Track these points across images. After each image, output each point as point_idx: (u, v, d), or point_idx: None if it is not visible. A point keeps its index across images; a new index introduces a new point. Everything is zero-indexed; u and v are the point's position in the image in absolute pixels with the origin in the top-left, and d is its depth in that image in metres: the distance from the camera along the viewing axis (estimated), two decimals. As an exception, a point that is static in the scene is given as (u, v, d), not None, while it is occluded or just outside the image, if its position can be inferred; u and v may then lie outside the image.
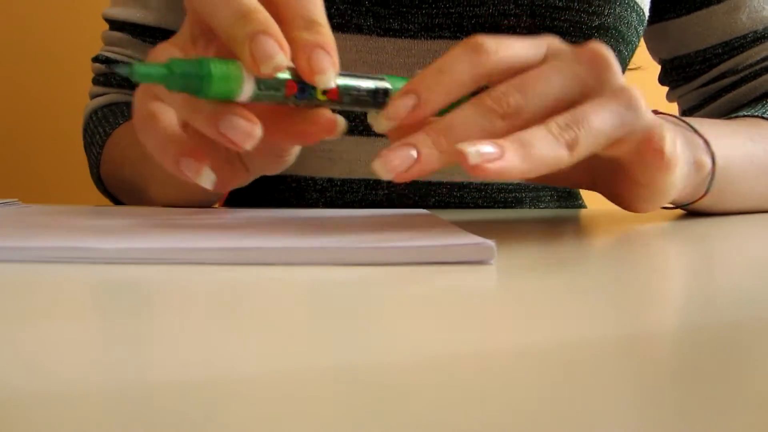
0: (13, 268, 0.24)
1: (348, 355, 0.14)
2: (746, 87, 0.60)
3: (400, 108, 0.30)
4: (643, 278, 0.24)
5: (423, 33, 0.53)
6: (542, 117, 0.30)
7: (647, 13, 0.58)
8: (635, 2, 0.55)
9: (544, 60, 0.32)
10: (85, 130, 0.63)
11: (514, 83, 0.30)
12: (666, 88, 0.67)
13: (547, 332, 0.16)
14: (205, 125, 0.29)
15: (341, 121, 0.32)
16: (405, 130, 0.29)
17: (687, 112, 0.65)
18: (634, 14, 0.56)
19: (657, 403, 0.12)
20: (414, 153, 0.28)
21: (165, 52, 0.32)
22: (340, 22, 0.52)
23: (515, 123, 0.29)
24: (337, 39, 0.54)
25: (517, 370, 0.13)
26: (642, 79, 0.65)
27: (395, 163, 0.28)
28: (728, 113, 0.60)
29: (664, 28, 0.62)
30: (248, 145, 0.29)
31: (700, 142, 0.39)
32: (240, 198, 0.63)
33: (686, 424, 0.11)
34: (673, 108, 0.68)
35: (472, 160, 0.27)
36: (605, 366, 0.14)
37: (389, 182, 0.54)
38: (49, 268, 0.24)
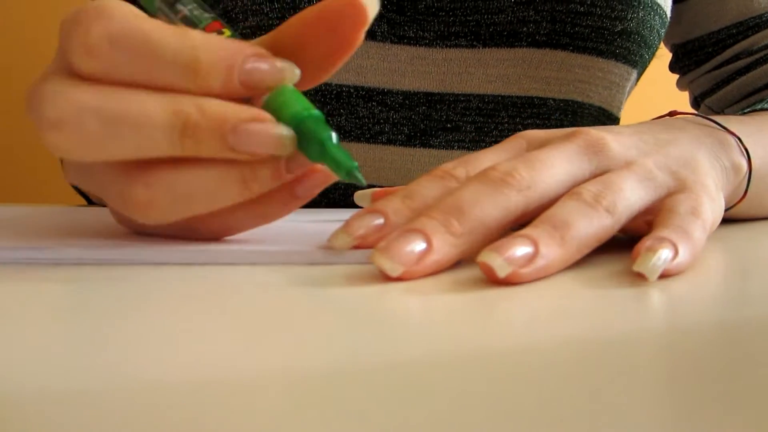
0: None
1: (345, 355, 0.15)
2: (761, 70, 0.58)
3: (361, 226, 0.25)
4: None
5: (439, 41, 0.51)
6: (555, 194, 0.26)
7: (669, 15, 0.57)
8: (658, 5, 0.54)
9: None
10: None
11: (518, 158, 0.27)
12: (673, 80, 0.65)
13: (550, 332, 0.17)
14: (214, 146, 0.23)
15: (284, 132, 0.24)
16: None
17: (699, 97, 0.63)
18: (656, 17, 0.54)
19: (657, 403, 0.12)
20: (423, 243, 0.23)
21: None
22: None
23: (531, 196, 0.26)
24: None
25: (516, 370, 0.14)
26: (660, 67, 0.63)
27: (404, 256, 0.23)
28: (742, 98, 0.59)
29: (678, 10, 0.60)
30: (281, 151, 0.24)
31: (733, 140, 0.36)
32: None
33: (686, 424, 0.11)
34: (684, 96, 0.66)
35: (502, 273, 0.22)
36: (606, 366, 0.14)
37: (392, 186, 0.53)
38: (24, 269, 0.24)
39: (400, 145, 0.53)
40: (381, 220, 0.25)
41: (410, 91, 0.52)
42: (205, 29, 0.25)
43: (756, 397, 0.12)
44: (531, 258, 0.23)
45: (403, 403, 0.12)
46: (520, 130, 0.31)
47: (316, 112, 0.24)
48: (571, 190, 0.26)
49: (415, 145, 0.53)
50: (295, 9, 0.50)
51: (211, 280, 0.23)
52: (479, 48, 0.51)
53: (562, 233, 0.24)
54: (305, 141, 0.24)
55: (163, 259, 0.26)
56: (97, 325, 0.17)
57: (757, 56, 0.58)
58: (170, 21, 0.26)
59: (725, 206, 0.38)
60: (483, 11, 0.51)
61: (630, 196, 0.26)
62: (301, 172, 0.26)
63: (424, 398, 0.12)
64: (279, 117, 0.24)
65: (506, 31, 0.51)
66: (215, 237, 0.28)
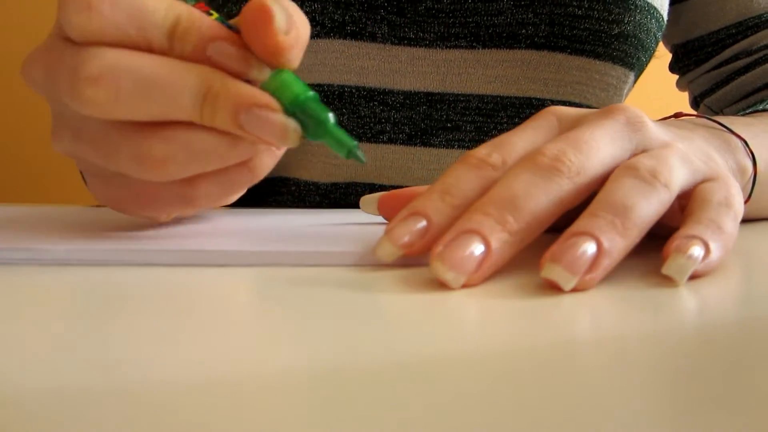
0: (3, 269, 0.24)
1: (345, 356, 0.14)
2: (760, 69, 0.58)
3: (405, 233, 0.24)
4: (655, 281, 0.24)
5: (438, 42, 0.52)
6: (602, 177, 0.25)
7: (666, 18, 0.57)
8: (655, 8, 0.54)
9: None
10: None
11: (562, 139, 0.25)
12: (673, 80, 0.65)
13: (550, 332, 0.16)
14: (227, 120, 0.25)
15: (291, 126, 0.25)
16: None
17: (698, 97, 0.63)
18: (653, 20, 0.55)
19: (660, 404, 0.12)
20: (481, 245, 0.22)
21: None
22: (354, 30, 0.51)
23: (581, 183, 0.24)
24: (350, 47, 0.54)
25: (516, 370, 0.13)
26: (660, 66, 0.64)
27: (464, 264, 0.22)
28: (741, 98, 0.59)
29: (677, 11, 0.60)
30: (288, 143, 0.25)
31: (739, 142, 0.36)
32: (238, 201, 0.62)
33: (687, 424, 0.11)
34: (681, 98, 0.66)
35: (567, 286, 0.21)
36: (608, 366, 0.14)
37: (393, 185, 0.54)
38: (24, 271, 0.24)
39: (401, 144, 0.53)
40: (424, 223, 0.24)
41: (411, 91, 0.53)
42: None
43: (759, 399, 0.12)
44: (595, 259, 0.22)
45: (404, 404, 0.12)
46: None
47: (313, 93, 0.26)
48: (623, 164, 0.25)
49: (415, 144, 0.53)
50: (301, 8, 0.51)
51: (211, 281, 0.23)
52: (478, 49, 0.52)
53: (623, 220, 0.23)
54: (306, 122, 0.25)
55: (161, 260, 0.26)
56: (96, 326, 0.17)
57: (756, 56, 0.58)
58: None
59: None
60: (482, 13, 0.51)
61: (679, 173, 0.25)
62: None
63: (424, 398, 0.12)
64: (279, 96, 0.25)
65: (505, 33, 0.51)
66: (208, 204, 0.29)
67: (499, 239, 0.22)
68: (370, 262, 0.25)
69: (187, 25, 0.25)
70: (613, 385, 0.13)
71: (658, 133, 0.27)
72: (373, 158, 0.54)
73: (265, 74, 0.26)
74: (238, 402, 0.12)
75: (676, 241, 0.23)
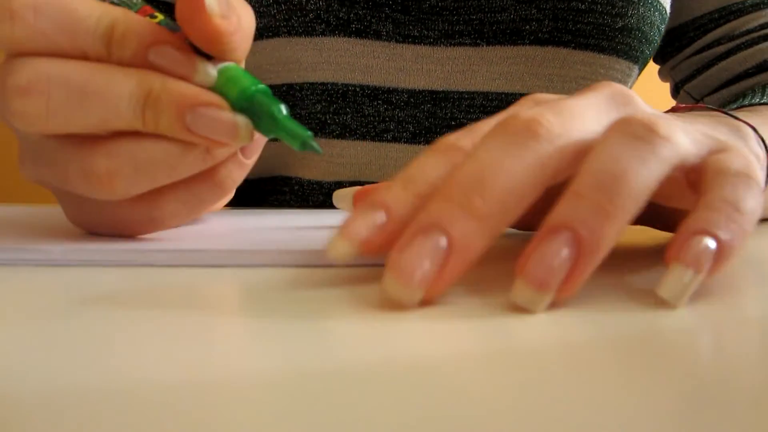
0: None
1: (340, 357, 0.14)
2: (741, 55, 0.57)
3: (361, 227, 0.20)
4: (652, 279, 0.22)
5: (443, 40, 0.52)
6: (590, 148, 0.20)
7: (668, 11, 0.57)
8: (658, 1, 0.54)
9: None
10: None
11: (544, 106, 0.21)
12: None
13: (548, 333, 0.16)
14: (172, 124, 0.23)
15: (241, 122, 0.24)
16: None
17: (679, 83, 0.62)
18: (657, 13, 0.55)
19: (659, 403, 0.11)
20: (443, 241, 0.18)
21: None
22: (358, 28, 0.51)
23: (565, 147, 0.20)
24: (355, 45, 0.54)
25: (516, 370, 0.13)
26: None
27: (421, 274, 0.18)
28: (722, 84, 0.58)
29: None
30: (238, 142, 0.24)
31: (749, 129, 0.32)
32: (238, 200, 0.62)
33: (688, 424, 0.11)
34: (665, 88, 0.65)
35: (537, 309, 0.18)
36: (607, 366, 0.14)
37: None
38: (21, 272, 0.24)
39: (405, 142, 0.53)
40: (383, 216, 0.20)
41: (415, 90, 0.53)
42: (137, 13, 0.25)
43: (752, 400, 0.12)
44: (575, 262, 0.18)
45: (404, 404, 0.12)
46: None
47: (263, 86, 0.24)
48: (613, 123, 0.21)
49: (420, 143, 0.53)
50: (301, 10, 0.51)
51: (209, 282, 0.23)
52: (483, 46, 0.52)
53: (612, 195, 0.18)
54: (256, 116, 0.24)
55: (158, 260, 0.26)
56: (92, 326, 0.17)
57: (737, 42, 0.57)
58: None
59: None
60: (486, 10, 0.51)
61: (682, 137, 0.21)
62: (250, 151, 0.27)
63: (424, 398, 0.12)
64: (226, 93, 0.24)
65: (509, 29, 0.51)
66: (176, 223, 0.28)
67: (464, 230, 0.18)
68: (367, 261, 0.25)
69: (123, 30, 0.24)
70: (611, 387, 0.13)
71: (649, 109, 0.24)
72: (376, 157, 0.54)
73: (211, 76, 0.24)
74: (236, 403, 0.12)
75: (678, 242, 0.19)
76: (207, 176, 0.26)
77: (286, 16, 0.51)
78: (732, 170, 0.20)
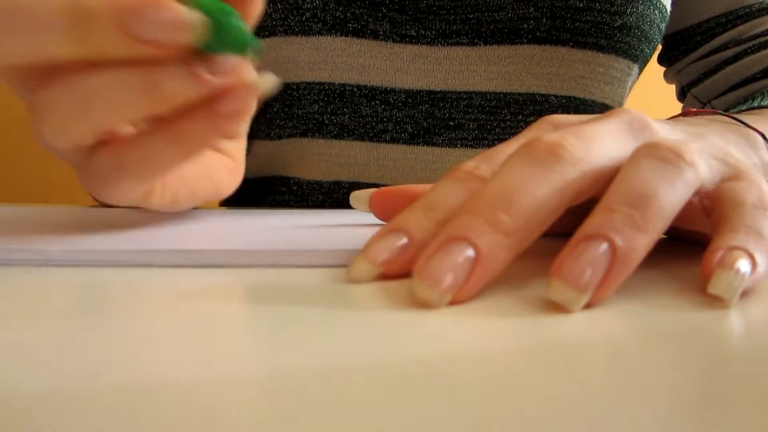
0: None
1: (342, 355, 0.14)
2: (748, 59, 0.57)
3: (384, 250, 0.21)
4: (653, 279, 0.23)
5: (440, 39, 0.51)
6: (610, 173, 0.22)
7: (669, 9, 0.57)
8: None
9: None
10: None
11: (561, 130, 0.22)
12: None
13: (549, 332, 0.16)
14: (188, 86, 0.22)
15: (196, 17, 0.21)
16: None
17: (686, 87, 0.62)
18: (656, 12, 0.54)
19: (658, 404, 0.12)
20: (470, 251, 0.19)
21: None
22: (355, 27, 0.51)
23: (586, 171, 0.21)
24: (352, 44, 0.54)
25: (517, 370, 0.13)
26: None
27: (449, 279, 0.18)
28: (729, 88, 0.58)
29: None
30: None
31: (758, 137, 0.33)
32: (236, 200, 0.62)
33: (687, 424, 0.11)
34: (671, 90, 0.65)
35: (575, 307, 0.18)
36: (607, 366, 0.14)
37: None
38: (19, 272, 0.24)
39: (403, 143, 0.53)
40: (405, 240, 0.21)
41: (413, 90, 0.52)
42: None
43: (748, 399, 0.12)
44: (610, 268, 0.18)
45: (405, 403, 0.12)
46: (522, 128, 0.30)
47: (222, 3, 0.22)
48: (640, 145, 0.22)
49: (418, 144, 0.53)
50: (297, 9, 0.51)
51: (209, 282, 0.23)
52: (480, 45, 0.51)
53: (643, 211, 0.19)
54: (214, 30, 0.21)
55: (158, 260, 0.26)
56: (91, 327, 0.17)
57: (745, 46, 0.57)
58: None
59: None
60: (483, 9, 0.51)
61: (701, 162, 0.22)
62: (222, 81, 0.23)
63: (425, 398, 0.12)
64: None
65: (507, 28, 0.51)
66: (146, 180, 0.26)
67: (491, 243, 0.19)
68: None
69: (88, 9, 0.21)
70: (612, 387, 0.13)
71: (666, 132, 0.25)
72: (375, 158, 0.54)
73: None
74: (236, 403, 0.12)
75: (717, 254, 0.20)
76: (166, 127, 0.24)
77: (283, 15, 0.51)
78: (749, 202, 0.21)
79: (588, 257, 0.18)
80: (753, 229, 0.20)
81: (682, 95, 0.64)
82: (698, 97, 0.61)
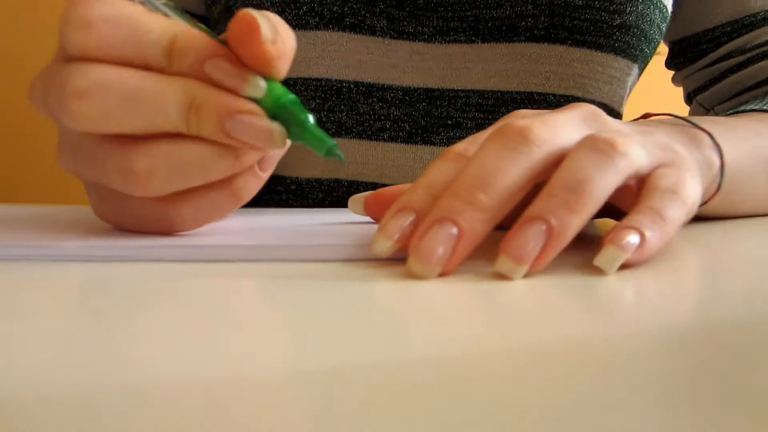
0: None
1: (347, 355, 0.14)
2: (753, 68, 0.58)
3: (397, 227, 0.25)
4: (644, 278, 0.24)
5: (437, 36, 0.51)
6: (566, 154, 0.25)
7: (670, 9, 0.57)
8: None
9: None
10: None
11: (532, 119, 0.26)
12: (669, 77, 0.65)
13: (549, 332, 0.17)
14: (211, 127, 0.26)
15: (276, 129, 0.26)
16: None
17: (692, 93, 0.63)
18: (656, 11, 0.54)
19: (658, 403, 0.12)
20: (454, 229, 0.23)
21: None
22: (353, 22, 0.51)
23: (550, 151, 0.25)
24: (349, 39, 0.54)
25: (516, 370, 0.14)
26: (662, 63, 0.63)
27: (437, 254, 0.22)
28: (733, 95, 0.58)
29: (675, 7, 0.60)
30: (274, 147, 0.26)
31: (704, 136, 0.36)
32: None
33: (687, 424, 0.11)
34: (678, 92, 0.65)
35: (515, 276, 0.22)
36: (606, 366, 0.14)
37: (395, 184, 0.53)
38: (18, 267, 0.25)
39: (401, 142, 0.53)
40: (413, 216, 0.25)
41: (410, 87, 0.52)
42: None
43: (729, 396, 0.12)
44: (545, 244, 0.22)
45: (407, 403, 0.12)
46: None
47: (293, 96, 0.27)
48: (582, 138, 0.25)
49: (416, 143, 0.53)
50: (294, 3, 0.51)
51: (215, 278, 0.23)
52: (478, 43, 0.51)
53: (578, 196, 0.23)
54: (287, 124, 0.26)
55: (166, 256, 0.26)
56: (102, 322, 0.17)
57: (749, 55, 0.58)
58: None
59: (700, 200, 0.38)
60: (481, 6, 0.51)
61: (637, 149, 0.26)
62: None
63: (426, 398, 0.12)
64: (261, 101, 0.26)
65: (505, 26, 0.51)
66: (193, 226, 0.29)
67: (470, 219, 0.23)
68: (369, 255, 0.26)
69: (184, 44, 0.26)
70: (601, 386, 0.13)
71: (616, 125, 0.28)
72: (374, 157, 0.54)
73: (261, 89, 0.26)
74: (243, 401, 0.12)
75: (612, 232, 0.24)
76: (225, 185, 0.28)
77: (280, 9, 0.51)
78: (662, 187, 0.25)
79: (528, 235, 0.22)
80: (654, 210, 0.24)
81: (688, 100, 0.64)
82: (703, 104, 0.61)
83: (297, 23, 0.51)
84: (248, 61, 0.26)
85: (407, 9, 0.51)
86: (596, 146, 0.24)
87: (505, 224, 0.24)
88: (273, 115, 0.26)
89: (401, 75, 0.52)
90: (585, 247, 0.26)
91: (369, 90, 0.52)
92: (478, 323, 0.18)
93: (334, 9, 0.51)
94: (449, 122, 0.53)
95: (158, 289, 0.21)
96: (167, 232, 0.30)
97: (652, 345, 0.16)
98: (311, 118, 0.26)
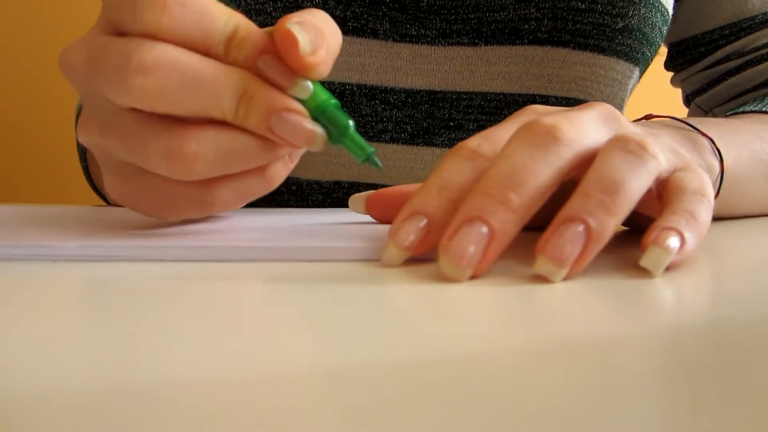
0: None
1: (347, 355, 0.14)
2: (750, 71, 0.58)
3: (408, 233, 0.24)
4: (642, 279, 0.24)
5: (440, 39, 0.51)
6: (593, 154, 0.25)
7: (671, 12, 0.57)
8: (660, 2, 0.54)
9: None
10: (76, 120, 0.62)
11: (553, 115, 0.26)
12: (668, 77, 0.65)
13: (550, 332, 0.16)
14: (258, 121, 0.26)
15: (318, 132, 0.27)
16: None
17: (690, 96, 0.63)
18: (658, 15, 0.54)
19: (658, 402, 0.12)
20: (485, 229, 0.22)
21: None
22: (355, 26, 0.51)
23: (578, 151, 0.25)
24: (352, 43, 0.54)
25: (517, 370, 0.14)
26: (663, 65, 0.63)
27: (469, 255, 0.22)
28: (731, 98, 0.59)
29: (674, 9, 0.60)
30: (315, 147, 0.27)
31: (705, 141, 0.37)
32: None
33: (687, 424, 0.11)
34: (677, 93, 0.66)
35: (556, 279, 0.22)
36: (606, 366, 0.14)
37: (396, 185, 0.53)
38: (18, 267, 0.25)
39: (403, 143, 0.53)
40: (425, 221, 0.24)
41: (413, 89, 0.52)
42: None
43: (739, 396, 0.12)
44: (584, 246, 0.22)
45: (409, 402, 0.12)
46: None
47: (335, 100, 0.28)
48: (611, 138, 0.25)
49: (418, 144, 0.53)
50: (297, 8, 0.51)
51: (221, 278, 0.23)
52: (481, 46, 0.51)
53: (614, 197, 0.23)
54: (328, 127, 0.27)
55: (171, 256, 0.26)
56: (99, 325, 0.17)
57: (747, 58, 0.58)
58: None
59: None
60: (484, 9, 0.51)
61: (662, 155, 0.26)
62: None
63: (429, 395, 0.12)
64: (305, 102, 0.27)
65: (508, 29, 0.51)
66: (223, 209, 0.30)
67: (501, 220, 0.23)
68: (376, 256, 0.26)
69: (243, 35, 0.27)
70: (608, 383, 0.13)
71: (632, 127, 0.28)
72: None
73: (307, 90, 0.27)
74: (243, 401, 0.12)
75: (653, 233, 0.24)
76: (259, 171, 0.29)
77: (282, 14, 0.51)
78: (690, 189, 0.26)
79: (567, 236, 0.22)
80: (688, 211, 0.24)
81: (686, 103, 0.64)
82: (701, 106, 0.62)
83: None
84: (290, 66, 0.27)
85: (410, 12, 0.51)
86: (628, 147, 0.24)
87: (528, 224, 0.24)
88: (315, 117, 0.27)
89: (404, 77, 0.52)
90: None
91: (372, 92, 0.52)
92: (497, 323, 0.18)
93: (337, 13, 0.51)
94: (451, 124, 0.53)
95: (158, 289, 0.21)
96: (192, 215, 0.30)
97: (653, 345, 0.16)
98: (352, 124, 0.27)
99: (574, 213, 0.22)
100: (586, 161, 0.25)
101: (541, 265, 0.22)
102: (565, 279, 0.22)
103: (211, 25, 0.26)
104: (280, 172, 0.30)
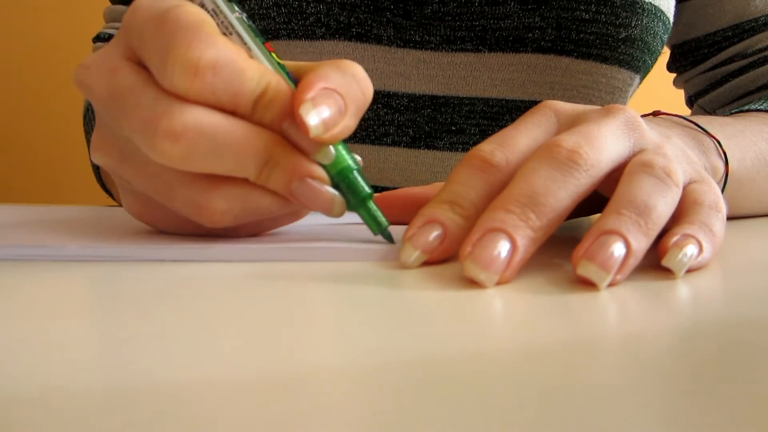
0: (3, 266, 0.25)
1: (347, 355, 0.14)
2: (754, 73, 0.58)
3: (425, 239, 0.25)
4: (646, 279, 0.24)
5: (444, 45, 0.51)
6: (609, 173, 0.26)
7: (672, 20, 0.57)
8: (662, 11, 0.54)
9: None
10: (84, 117, 0.62)
11: (575, 132, 0.26)
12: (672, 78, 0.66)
13: (550, 332, 0.17)
14: (281, 183, 0.27)
15: (338, 200, 0.27)
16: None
17: (693, 97, 0.63)
18: (660, 24, 0.54)
19: (658, 402, 0.12)
20: (507, 243, 0.23)
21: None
22: (359, 32, 0.51)
23: (596, 176, 0.25)
24: (356, 49, 0.54)
25: (517, 370, 0.14)
26: (662, 66, 0.63)
27: (495, 263, 0.22)
28: (734, 99, 0.59)
29: (677, 11, 0.60)
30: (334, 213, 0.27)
31: (712, 143, 0.37)
32: None
33: (686, 423, 0.11)
34: (680, 94, 0.66)
35: (602, 284, 0.22)
36: (606, 366, 0.14)
37: (397, 188, 0.53)
38: (21, 267, 0.25)
39: (404, 146, 0.53)
40: (440, 231, 0.25)
41: (415, 94, 0.52)
42: (264, 44, 0.28)
43: (730, 396, 0.12)
44: (624, 259, 0.23)
45: (412, 402, 0.12)
46: None
47: (357, 166, 0.28)
48: (636, 159, 0.26)
49: (419, 147, 0.53)
50: (301, 13, 0.51)
51: (224, 278, 0.23)
52: (485, 53, 0.51)
53: (646, 219, 0.24)
54: (347, 192, 0.27)
55: (169, 256, 0.26)
56: (99, 325, 0.17)
57: (750, 59, 0.58)
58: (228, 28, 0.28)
59: None
60: (489, 17, 0.51)
61: (681, 178, 0.27)
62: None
63: (428, 398, 0.12)
64: (327, 167, 0.27)
65: (512, 37, 0.51)
66: (244, 235, 0.30)
67: (523, 236, 0.23)
68: (379, 258, 0.26)
69: (272, 96, 0.26)
70: (630, 384, 0.13)
71: (650, 134, 0.29)
72: (376, 161, 0.54)
73: (329, 158, 0.27)
74: (243, 401, 0.11)
75: (674, 237, 0.25)
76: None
77: (286, 20, 0.51)
78: (706, 203, 0.27)
79: (611, 247, 0.23)
80: (705, 224, 0.26)
81: (689, 104, 0.64)
82: (704, 107, 0.62)
83: (303, 34, 0.51)
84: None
85: (414, 18, 0.51)
86: (656, 173, 0.25)
87: None
88: (336, 183, 0.27)
89: (407, 82, 0.52)
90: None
91: (375, 96, 0.52)
92: (505, 324, 0.18)
93: (341, 19, 0.51)
94: (453, 128, 0.53)
95: (159, 290, 0.21)
96: (215, 233, 0.30)
97: (657, 344, 0.16)
98: (370, 193, 0.27)
99: (612, 227, 0.23)
100: (605, 178, 0.26)
101: (587, 268, 0.22)
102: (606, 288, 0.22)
103: (241, 86, 0.26)
104: (301, 213, 0.30)
